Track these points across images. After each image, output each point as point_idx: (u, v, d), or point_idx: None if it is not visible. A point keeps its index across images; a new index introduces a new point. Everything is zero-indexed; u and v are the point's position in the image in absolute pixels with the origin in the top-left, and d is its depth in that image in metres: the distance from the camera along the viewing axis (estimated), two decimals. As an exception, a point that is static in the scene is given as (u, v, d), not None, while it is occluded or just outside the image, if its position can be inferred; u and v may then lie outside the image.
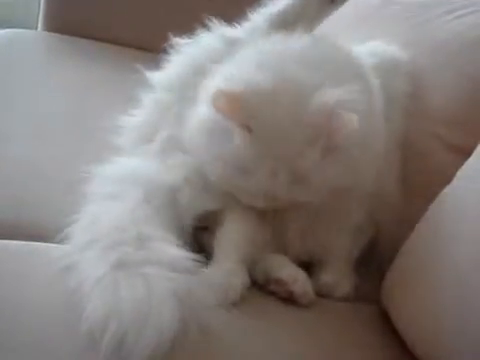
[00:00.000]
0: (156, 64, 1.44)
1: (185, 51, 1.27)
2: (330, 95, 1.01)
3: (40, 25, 1.84)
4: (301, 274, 1.08)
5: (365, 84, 1.11)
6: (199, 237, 1.10)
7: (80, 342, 0.87)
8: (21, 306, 0.92)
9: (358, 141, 1.02)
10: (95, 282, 0.91)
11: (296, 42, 1.12)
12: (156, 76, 1.28)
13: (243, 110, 1.01)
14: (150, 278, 0.91)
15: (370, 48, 1.24)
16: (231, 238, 1.08)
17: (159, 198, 1.06)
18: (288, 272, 1.07)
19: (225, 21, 1.21)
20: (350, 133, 0.99)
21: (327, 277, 1.12)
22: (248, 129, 1.02)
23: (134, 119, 1.25)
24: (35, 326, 0.90)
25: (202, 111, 1.08)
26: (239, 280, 1.04)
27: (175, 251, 0.97)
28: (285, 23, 1.28)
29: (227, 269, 1.04)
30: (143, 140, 1.21)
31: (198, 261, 0.95)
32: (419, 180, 1.17)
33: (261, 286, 1.08)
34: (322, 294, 1.11)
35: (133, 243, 0.96)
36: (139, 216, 1.02)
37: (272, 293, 1.07)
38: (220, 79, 1.07)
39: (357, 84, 1.06)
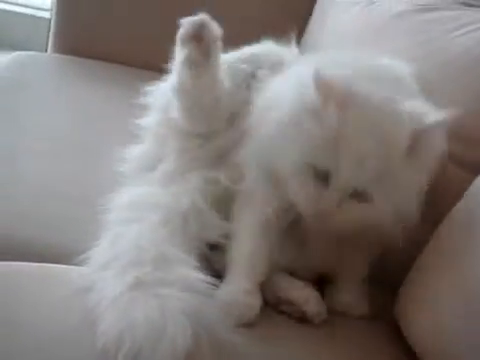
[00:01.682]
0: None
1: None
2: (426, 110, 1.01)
3: (50, 47, 1.85)
4: (313, 294, 1.08)
5: None
6: (209, 255, 1.10)
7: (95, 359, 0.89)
8: (37, 327, 0.93)
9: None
10: (111, 301, 0.92)
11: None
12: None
13: (343, 92, 0.99)
14: (165, 298, 0.92)
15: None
16: (248, 257, 1.07)
17: (174, 222, 1.07)
18: (300, 292, 1.07)
19: (230, 43, 1.21)
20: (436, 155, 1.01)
21: (346, 297, 1.13)
22: (344, 109, 0.99)
23: (136, 148, 1.28)
24: (51, 347, 0.91)
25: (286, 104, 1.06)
26: (257, 301, 1.04)
27: (191, 273, 0.98)
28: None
29: (245, 289, 1.04)
30: (145, 169, 1.23)
31: (213, 284, 0.97)
32: (430, 196, 1.15)
33: (272, 305, 1.08)
34: (338, 313, 1.11)
35: (151, 263, 0.98)
36: (157, 237, 1.03)
37: (284, 313, 1.07)
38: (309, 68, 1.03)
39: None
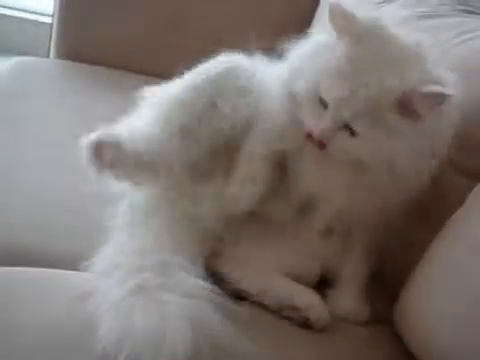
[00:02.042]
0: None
1: None
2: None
3: (52, 53, 1.85)
4: (316, 299, 1.09)
5: None
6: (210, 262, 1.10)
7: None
8: (37, 331, 0.93)
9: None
10: (111, 306, 0.93)
11: None
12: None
13: (357, 26, 1.03)
14: (165, 304, 0.93)
15: None
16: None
17: (179, 227, 1.08)
18: (303, 297, 1.08)
19: (239, 49, 1.21)
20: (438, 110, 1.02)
21: (347, 303, 1.14)
22: (356, 41, 1.03)
23: None
24: (52, 351, 0.92)
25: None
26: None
27: (192, 279, 0.99)
28: None
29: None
30: None
31: (213, 291, 0.97)
32: (429, 204, 1.16)
33: (275, 310, 1.08)
34: (339, 319, 1.12)
35: (152, 269, 0.99)
36: (160, 243, 1.04)
37: (286, 318, 1.08)
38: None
39: None
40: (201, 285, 0.98)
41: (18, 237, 1.16)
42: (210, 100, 1.11)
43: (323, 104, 1.04)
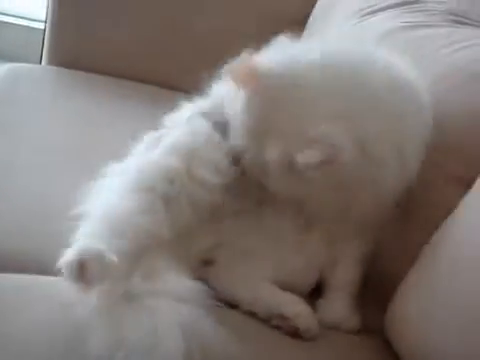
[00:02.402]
0: (159, 98, 1.47)
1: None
2: (324, 131, 1.03)
3: (44, 59, 1.85)
4: (305, 308, 1.09)
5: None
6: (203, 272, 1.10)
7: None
8: (26, 337, 0.93)
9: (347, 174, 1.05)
10: (101, 314, 0.92)
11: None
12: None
13: (255, 83, 1.05)
14: (156, 310, 0.93)
15: None
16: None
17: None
18: (291, 307, 1.08)
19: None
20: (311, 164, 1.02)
21: (336, 312, 1.14)
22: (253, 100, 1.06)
23: None
24: (42, 357, 0.91)
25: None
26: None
27: (181, 281, 0.99)
28: None
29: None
30: None
31: (203, 291, 0.97)
32: (420, 211, 1.18)
33: (264, 320, 1.08)
34: (329, 327, 1.12)
35: (140, 274, 0.98)
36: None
37: (276, 327, 1.08)
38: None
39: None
40: (190, 288, 0.97)
41: (7, 243, 1.16)
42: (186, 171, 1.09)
43: None
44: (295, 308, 1.08)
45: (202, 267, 1.10)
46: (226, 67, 1.07)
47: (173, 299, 0.96)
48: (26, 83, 1.70)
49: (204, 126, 1.13)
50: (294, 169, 1.03)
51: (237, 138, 1.08)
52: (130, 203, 1.02)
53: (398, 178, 1.10)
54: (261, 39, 1.22)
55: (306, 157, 1.01)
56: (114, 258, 0.93)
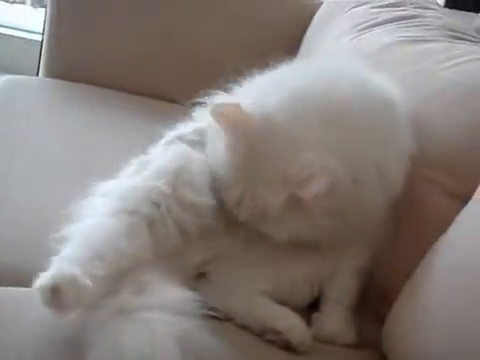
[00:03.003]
0: (157, 111, 1.48)
1: None
2: (321, 163, 1.03)
3: (41, 71, 1.86)
4: (297, 322, 1.08)
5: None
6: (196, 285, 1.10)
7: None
8: (21, 350, 0.93)
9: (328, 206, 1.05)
10: (96, 329, 0.92)
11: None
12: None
13: (240, 130, 1.05)
14: (152, 323, 0.93)
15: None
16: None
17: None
18: (283, 321, 1.08)
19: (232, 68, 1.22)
20: (318, 195, 1.02)
21: (332, 325, 1.14)
22: (236, 149, 1.06)
23: None
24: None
25: None
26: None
27: (175, 293, 0.98)
28: None
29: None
30: None
31: (198, 302, 0.97)
32: (416, 226, 1.18)
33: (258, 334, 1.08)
34: (325, 341, 1.12)
35: (130, 290, 0.98)
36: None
37: (270, 342, 1.07)
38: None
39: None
40: (184, 299, 0.97)
41: (6, 255, 1.16)
42: (173, 193, 1.08)
43: None
44: (288, 322, 1.08)
45: (195, 279, 1.10)
46: (210, 105, 1.08)
47: (168, 311, 0.95)
48: (23, 95, 1.70)
49: (184, 149, 1.13)
50: (300, 208, 1.04)
51: (221, 183, 1.09)
52: (112, 226, 1.02)
53: (380, 194, 1.12)
54: (260, 53, 1.23)
55: (313, 190, 1.01)
56: (88, 282, 0.92)
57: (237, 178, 1.06)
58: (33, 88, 1.76)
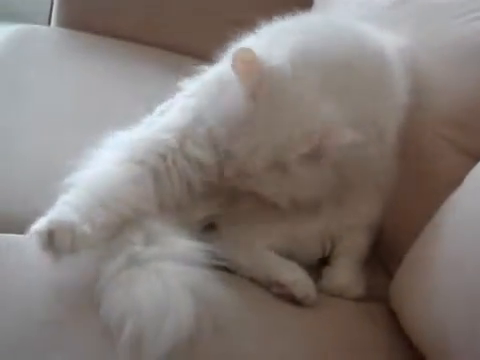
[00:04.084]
0: (170, 63, 1.47)
1: None
2: (336, 114, 1.04)
3: (53, 21, 1.85)
4: (301, 276, 1.10)
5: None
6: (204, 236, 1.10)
7: (97, 339, 0.90)
8: (31, 300, 0.95)
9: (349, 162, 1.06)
10: (110, 280, 0.94)
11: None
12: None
13: (256, 77, 1.04)
14: (165, 273, 0.95)
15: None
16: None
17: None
18: (288, 275, 1.09)
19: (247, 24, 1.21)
20: (341, 148, 1.03)
21: (341, 279, 1.16)
22: (254, 97, 1.04)
23: None
24: (46, 324, 0.92)
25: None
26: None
27: (186, 243, 1.00)
28: None
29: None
30: None
31: (208, 252, 0.98)
32: (428, 183, 1.19)
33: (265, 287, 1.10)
34: (334, 295, 1.14)
35: (142, 241, 0.99)
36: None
37: (276, 295, 1.09)
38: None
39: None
40: (196, 249, 0.98)
41: (9, 205, 1.17)
42: (180, 148, 1.09)
43: None
44: (293, 276, 1.09)
45: (204, 231, 1.11)
46: (230, 53, 1.07)
47: (180, 262, 0.97)
48: (34, 45, 1.69)
49: (195, 105, 1.13)
50: (314, 161, 1.05)
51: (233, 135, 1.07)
52: (117, 174, 1.03)
53: (376, 147, 1.13)
54: (274, 4, 1.23)
55: (347, 137, 1.02)
56: (86, 229, 0.94)
57: (253, 127, 1.05)
58: (44, 38, 1.75)
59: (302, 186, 1.08)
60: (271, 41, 1.12)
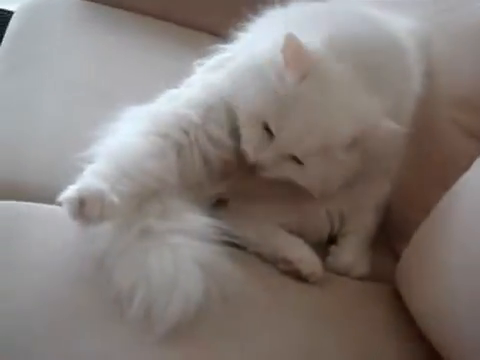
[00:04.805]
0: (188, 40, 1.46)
1: None
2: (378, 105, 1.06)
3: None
4: (308, 253, 1.12)
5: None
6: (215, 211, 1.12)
7: (105, 308, 0.93)
8: (44, 269, 0.97)
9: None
10: (122, 251, 0.97)
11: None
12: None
13: (306, 65, 1.05)
14: (176, 247, 0.97)
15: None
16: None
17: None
18: (294, 251, 1.11)
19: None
20: (389, 143, 1.06)
21: (347, 257, 1.18)
22: (305, 80, 1.05)
23: None
24: (60, 288, 0.95)
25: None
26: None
27: (199, 219, 1.02)
28: None
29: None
30: None
31: (221, 228, 1.00)
32: (436, 165, 1.21)
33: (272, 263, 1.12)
34: (340, 273, 1.16)
35: (156, 214, 1.01)
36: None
37: (283, 271, 1.11)
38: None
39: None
40: (208, 225, 1.00)
41: (31, 173, 1.18)
42: (202, 125, 1.11)
43: (268, 130, 1.07)
44: (299, 252, 1.11)
45: (214, 206, 1.13)
46: (275, 40, 1.07)
47: (191, 237, 0.99)
48: (50, 16, 1.67)
49: (217, 84, 1.14)
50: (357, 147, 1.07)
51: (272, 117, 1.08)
52: (142, 146, 1.05)
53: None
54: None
55: (390, 126, 1.05)
56: (115, 199, 0.96)
57: (304, 111, 1.05)
58: (60, 9, 1.71)
59: (339, 171, 1.10)
60: (299, 28, 1.10)
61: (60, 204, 0.95)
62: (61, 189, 0.97)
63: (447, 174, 1.14)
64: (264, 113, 1.07)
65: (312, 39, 1.07)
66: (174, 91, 1.18)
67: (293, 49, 1.04)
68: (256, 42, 1.16)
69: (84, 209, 0.93)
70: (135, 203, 1.01)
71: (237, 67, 1.15)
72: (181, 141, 1.08)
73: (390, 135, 1.05)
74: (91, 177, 0.98)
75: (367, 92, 1.07)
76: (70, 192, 0.95)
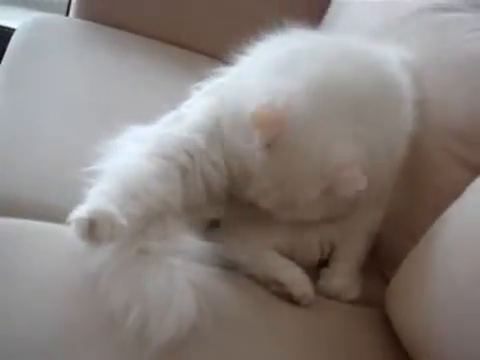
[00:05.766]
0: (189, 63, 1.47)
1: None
2: (350, 153, 1.07)
3: (72, 11, 1.85)
4: (300, 275, 1.13)
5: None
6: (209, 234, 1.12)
7: (101, 324, 0.94)
8: (39, 284, 0.97)
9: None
10: (118, 267, 0.98)
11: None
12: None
13: (276, 130, 1.06)
14: (172, 267, 0.99)
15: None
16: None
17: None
18: (286, 274, 1.12)
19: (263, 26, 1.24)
20: (357, 191, 1.06)
21: (338, 281, 1.19)
22: (268, 146, 1.07)
23: None
24: (56, 306, 0.96)
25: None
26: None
27: (196, 242, 1.03)
28: None
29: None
30: None
31: (215, 251, 1.01)
32: (428, 193, 1.22)
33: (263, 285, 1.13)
34: (331, 296, 1.18)
35: (156, 235, 1.03)
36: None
37: (274, 293, 1.12)
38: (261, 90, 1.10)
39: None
40: (204, 248, 1.01)
41: (25, 190, 1.18)
42: (205, 151, 1.13)
43: None
44: (291, 275, 1.13)
45: (208, 229, 1.14)
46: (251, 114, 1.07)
47: (188, 258, 1.01)
48: (52, 35, 1.70)
49: (219, 109, 1.17)
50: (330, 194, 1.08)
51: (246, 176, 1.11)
52: (148, 167, 1.06)
53: (387, 169, 1.17)
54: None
55: (353, 184, 1.06)
56: (124, 221, 0.97)
57: (269, 175, 1.08)
58: (62, 28, 1.75)
59: (312, 216, 1.12)
60: (285, 69, 1.14)
61: (69, 223, 0.96)
62: (56, 207, 0.99)
63: (438, 202, 1.14)
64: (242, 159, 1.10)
65: (297, 80, 1.09)
66: (176, 113, 1.20)
67: (264, 116, 1.06)
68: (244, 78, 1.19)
69: (94, 230, 0.95)
70: (141, 226, 1.02)
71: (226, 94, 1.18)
72: (185, 164, 1.10)
73: (354, 185, 1.06)
74: (100, 198, 1.00)
75: (346, 136, 1.08)
76: (80, 213, 0.96)
